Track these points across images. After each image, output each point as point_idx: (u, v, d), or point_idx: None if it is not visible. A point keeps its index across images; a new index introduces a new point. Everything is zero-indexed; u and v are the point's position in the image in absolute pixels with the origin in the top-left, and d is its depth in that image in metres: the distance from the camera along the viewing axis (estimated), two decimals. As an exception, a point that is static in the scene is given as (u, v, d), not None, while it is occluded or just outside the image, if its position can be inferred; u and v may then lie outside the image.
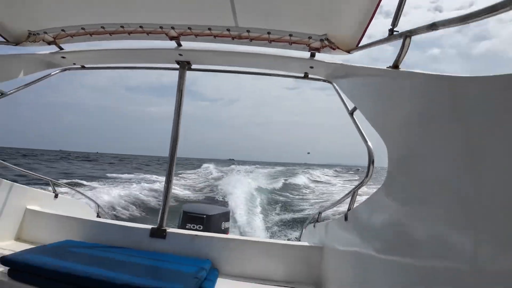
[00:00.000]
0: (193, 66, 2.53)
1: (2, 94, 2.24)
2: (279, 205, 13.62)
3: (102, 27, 2.18)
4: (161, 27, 2.13)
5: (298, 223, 9.60)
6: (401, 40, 1.28)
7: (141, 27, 2.15)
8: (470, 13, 0.86)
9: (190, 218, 3.22)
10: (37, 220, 2.59)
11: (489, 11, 0.76)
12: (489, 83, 0.69)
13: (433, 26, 1.08)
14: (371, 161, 1.59)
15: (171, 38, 2.22)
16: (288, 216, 11.27)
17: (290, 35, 2.04)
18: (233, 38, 2.14)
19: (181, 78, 2.48)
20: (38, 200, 2.76)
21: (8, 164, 2.73)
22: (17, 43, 2.29)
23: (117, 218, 8.64)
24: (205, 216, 3.22)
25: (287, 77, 2.60)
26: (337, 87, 2.25)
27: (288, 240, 7.81)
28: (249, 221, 9.58)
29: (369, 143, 1.65)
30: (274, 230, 9.11)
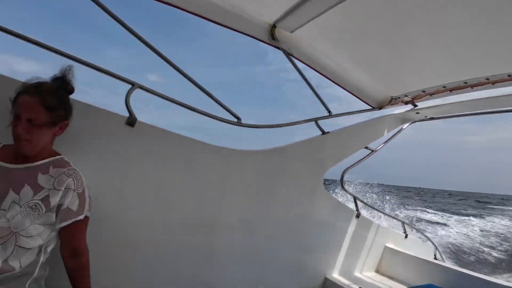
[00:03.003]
0: None
1: (372, 151, 2.88)
2: None
3: (465, 82, 2.36)
4: None
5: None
6: None
7: (509, 75, 2.14)
8: None
9: None
10: (393, 257, 3.09)
11: None
12: None
13: None
14: None
15: None
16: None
17: None
18: None
19: None
20: (393, 239, 3.29)
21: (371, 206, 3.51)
22: (379, 107, 2.89)
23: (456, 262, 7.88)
24: None
25: None
26: None
27: None
28: None
29: None
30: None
